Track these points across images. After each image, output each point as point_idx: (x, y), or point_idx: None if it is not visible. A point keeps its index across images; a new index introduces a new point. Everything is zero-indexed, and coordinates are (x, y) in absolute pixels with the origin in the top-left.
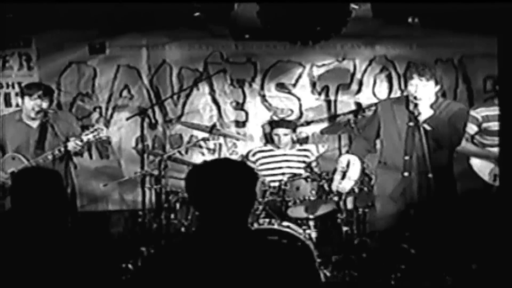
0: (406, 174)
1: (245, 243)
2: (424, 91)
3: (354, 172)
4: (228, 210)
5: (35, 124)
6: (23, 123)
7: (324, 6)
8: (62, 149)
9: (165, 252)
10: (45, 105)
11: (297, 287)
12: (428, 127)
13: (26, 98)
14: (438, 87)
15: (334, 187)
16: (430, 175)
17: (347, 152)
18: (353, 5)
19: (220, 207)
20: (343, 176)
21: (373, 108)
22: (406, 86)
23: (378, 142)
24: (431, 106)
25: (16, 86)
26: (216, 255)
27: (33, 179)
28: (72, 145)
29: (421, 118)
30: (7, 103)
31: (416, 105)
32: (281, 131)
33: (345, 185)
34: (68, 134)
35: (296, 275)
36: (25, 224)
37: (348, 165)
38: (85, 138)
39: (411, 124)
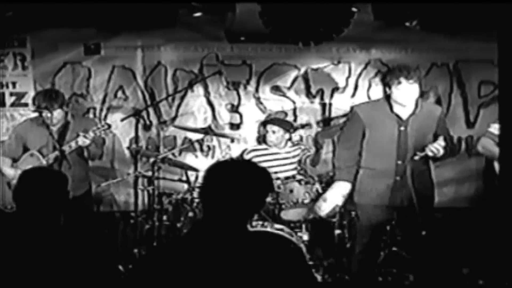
0: (398, 178)
1: (241, 244)
2: (411, 95)
3: (335, 196)
4: (235, 211)
5: (55, 127)
6: (44, 127)
7: (326, 7)
8: (73, 145)
9: (161, 252)
10: (56, 113)
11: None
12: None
13: (41, 111)
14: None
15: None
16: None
17: (333, 166)
18: (354, 9)
19: (229, 207)
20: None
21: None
22: (389, 88)
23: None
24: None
25: (10, 85)
26: (211, 254)
27: (35, 180)
28: (81, 140)
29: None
30: (1, 103)
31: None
32: (269, 127)
33: (324, 207)
34: None
35: (291, 276)
36: (24, 224)
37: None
38: (92, 134)
39: (402, 128)
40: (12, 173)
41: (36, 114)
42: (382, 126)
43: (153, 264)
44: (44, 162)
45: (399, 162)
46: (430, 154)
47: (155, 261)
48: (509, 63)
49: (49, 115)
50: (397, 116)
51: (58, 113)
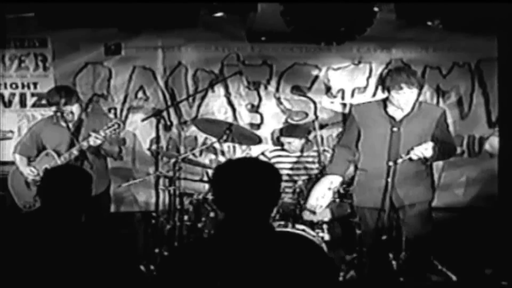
0: (389, 180)
1: (268, 242)
2: (410, 100)
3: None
4: (252, 209)
5: (70, 124)
6: (59, 125)
7: (348, 7)
8: (85, 144)
9: (187, 251)
10: (75, 108)
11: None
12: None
13: (54, 107)
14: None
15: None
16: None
17: (330, 161)
18: (376, 8)
19: (244, 206)
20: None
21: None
22: (388, 91)
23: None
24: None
25: (32, 86)
26: (239, 254)
27: (60, 177)
28: (92, 140)
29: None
30: (23, 103)
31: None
32: (283, 139)
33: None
34: None
35: (316, 276)
36: (47, 221)
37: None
38: (102, 133)
39: (395, 129)
40: (28, 171)
41: (51, 113)
42: (375, 127)
43: (180, 265)
44: (59, 161)
45: (390, 163)
46: (414, 157)
47: (182, 261)
48: (510, 63)
49: (68, 109)
50: (391, 117)
51: (76, 108)
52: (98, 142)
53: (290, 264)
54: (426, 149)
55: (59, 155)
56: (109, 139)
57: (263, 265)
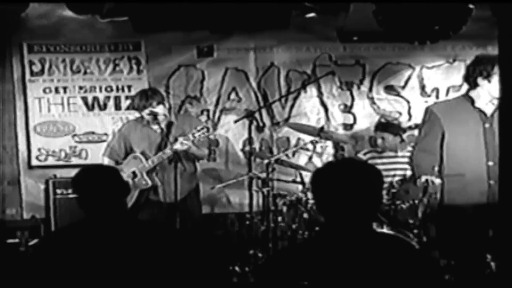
0: (492, 182)
1: (372, 246)
2: None
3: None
4: (356, 213)
5: (158, 128)
6: (148, 128)
7: (443, 4)
8: (174, 148)
9: (287, 255)
10: (159, 109)
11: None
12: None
13: (146, 109)
14: None
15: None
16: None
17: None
18: (471, 5)
19: (349, 210)
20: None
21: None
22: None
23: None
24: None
25: (126, 89)
26: (343, 257)
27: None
28: (179, 144)
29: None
30: (117, 106)
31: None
32: (378, 134)
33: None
34: None
35: (422, 277)
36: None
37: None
38: (191, 137)
39: (487, 125)
40: None
41: (139, 115)
42: (464, 125)
43: (280, 269)
44: (146, 165)
45: (490, 163)
46: None
47: (282, 265)
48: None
49: (160, 111)
50: (481, 111)
51: (160, 109)
52: (186, 146)
53: (395, 268)
54: None
55: (146, 158)
56: (197, 143)
57: (369, 269)
